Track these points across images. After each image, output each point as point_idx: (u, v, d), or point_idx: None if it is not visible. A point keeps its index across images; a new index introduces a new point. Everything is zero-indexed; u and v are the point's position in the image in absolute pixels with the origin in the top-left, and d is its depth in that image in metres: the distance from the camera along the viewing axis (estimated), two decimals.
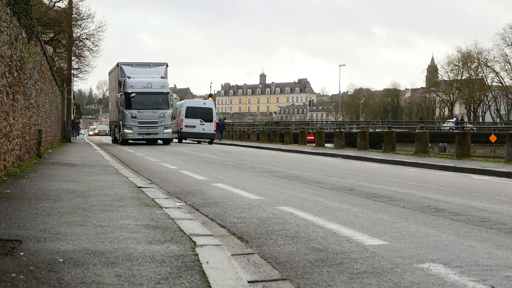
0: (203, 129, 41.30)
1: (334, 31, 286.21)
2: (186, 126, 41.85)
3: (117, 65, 36.89)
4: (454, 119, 66.92)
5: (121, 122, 34.70)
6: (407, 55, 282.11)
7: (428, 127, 59.36)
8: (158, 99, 34.45)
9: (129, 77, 34.55)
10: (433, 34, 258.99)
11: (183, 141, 43.38)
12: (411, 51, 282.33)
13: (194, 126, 41.68)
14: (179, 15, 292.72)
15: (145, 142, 36.35)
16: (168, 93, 34.86)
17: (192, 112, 41.96)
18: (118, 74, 36.21)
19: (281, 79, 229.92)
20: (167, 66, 36.50)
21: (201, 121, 41.75)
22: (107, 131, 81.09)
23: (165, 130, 34.53)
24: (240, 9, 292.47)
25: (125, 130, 34.05)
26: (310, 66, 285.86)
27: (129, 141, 35.03)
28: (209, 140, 41.99)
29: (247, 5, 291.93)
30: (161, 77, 35.23)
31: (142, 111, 33.93)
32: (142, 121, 33.87)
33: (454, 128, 54.76)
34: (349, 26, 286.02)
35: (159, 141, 36.93)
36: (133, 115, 33.81)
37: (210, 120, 41.74)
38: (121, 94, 34.36)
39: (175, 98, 35.61)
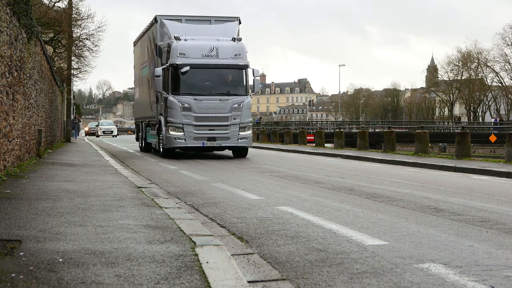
0: None
1: (328, 31, 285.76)
2: None
3: (155, 20, 22.49)
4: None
5: (162, 119, 20.72)
6: (405, 55, 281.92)
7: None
8: (228, 77, 20.79)
9: (177, 39, 20.34)
10: (431, 34, 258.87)
11: None
12: (409, 51, 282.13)
13: None
14: (170, 13, 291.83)
15: (204, 151, 22.43)
16: (246, 66, 20.58)
17: None
18: (156, 35, 22.38)
19: (277, 78, 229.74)
20: (240, 23, 22.29)
21: None
22: (113, 131, 66.34)
23: (241, 133, 20.34)
24: (231, 7, 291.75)
25: (172, 132, 20.02)
26: (306, 65, 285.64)
27: (177, 149, 20.93)
28: None
29: (237, 3, 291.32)
30: (233, 39, 20.93)
31: (202, 98, 19.98)
32: (202, 115, 19.94)
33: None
34: (343, 25, 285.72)
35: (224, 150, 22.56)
36: (186, 105, 19.83)
37: None
38: (163, 69, 20.32)
39: (257, 77, 20.77)
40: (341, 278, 4.39)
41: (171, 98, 20.02)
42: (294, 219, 7.09)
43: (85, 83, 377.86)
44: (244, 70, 20.59)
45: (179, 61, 20.08)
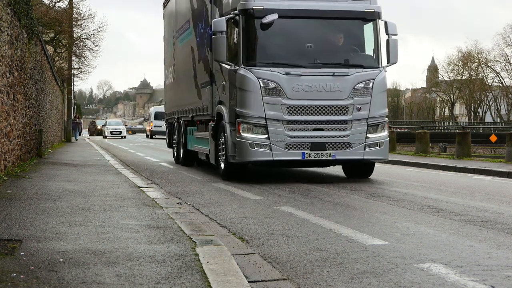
0: None
1: None
2: (155, 126, 53.61)
3: None
4: None
5: (224, 110, 11.98)
6: (405, 55, 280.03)
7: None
8: (346, 35, 12.07)
9: None
10: (431, 34, 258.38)
11: (153, 137, 53.46)
12: (409, 51, 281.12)
13: (161, 126, 50.88)
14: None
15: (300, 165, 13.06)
16: (377, 15, 11.87)
17: (159, 116, 51.56)
18: None
19: None
20: None
21: None
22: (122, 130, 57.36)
23: (371, 135, 11.59)
24: None
25: (245, 135, 11.22)
26: None
27: (251, 163, 11.64)
28: None
29: None
30: None
31: (300, 72, 11.33)
32: (300, 103, 11.29)
33: None
34: None
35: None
36: (271, 84, 11.22)
37: None
38: (227, 21, 11.53)
39: (394, 36, 11.90)
40: (342, 278, 4.39)
41: (243, 72, 11.23)
42: (294, 219, 7.10)
43: (85, 83, 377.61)
44: (373, 23, 11.85)
45: (257, 4, 11.39)
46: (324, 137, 11.32)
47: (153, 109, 58.28)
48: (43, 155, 18.01)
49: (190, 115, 15.44)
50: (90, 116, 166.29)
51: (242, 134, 11.21)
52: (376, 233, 6.14)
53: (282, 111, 11.16)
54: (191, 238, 5.34)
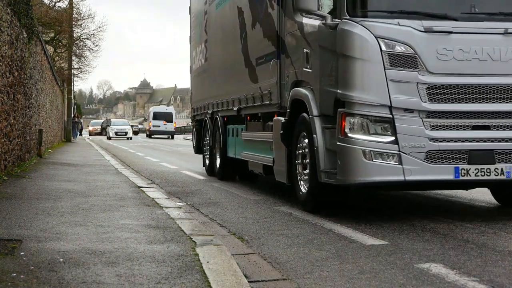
0: (166, 128, 53.95)
1: None
2: (153, 125, 54.81)
3: None
4: None
5: (309, 95, 7.32)
6: None
7: None
8: None
9: None
10: None
11: (152, 136, 54.96)
12: None
13: (159, 126, 54.04)
14: (162, 11, 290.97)
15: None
16: None
17: (157, 116, 54.71)
18: None
19: None
20: None
21: (164, 122, 54.25)
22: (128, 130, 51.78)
23: None
24: None
25: (356, 136, 6.51)
26: None
27: (365, 185, 6.75)
28: (170, 136, 54.33)
29: None
30: None
31: (448, 28, 6.56)
32: (452, 82, 6.57)
33: None
34: None
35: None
36: (400, 47, 6.50)
37: (171, 121, 54.59)
38: None
39: None
40: (342, 278, 4.39)
41: (348, 27, 6.69)
42: (294, 219, 7.10)
43: (85, 83, 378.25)
44: None
45: None
46: (492, 141, 6.74)
47: (152, 109, 60.09)
48: (43, 155, 18.01)
49: (234, 108, 10.98)
50: (90, 116, 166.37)
51: (350, 135, 6.61)
52: (376, 233, 6.14)
53: (419, 94, 6.59)
54: (191, 238, 5.34)
